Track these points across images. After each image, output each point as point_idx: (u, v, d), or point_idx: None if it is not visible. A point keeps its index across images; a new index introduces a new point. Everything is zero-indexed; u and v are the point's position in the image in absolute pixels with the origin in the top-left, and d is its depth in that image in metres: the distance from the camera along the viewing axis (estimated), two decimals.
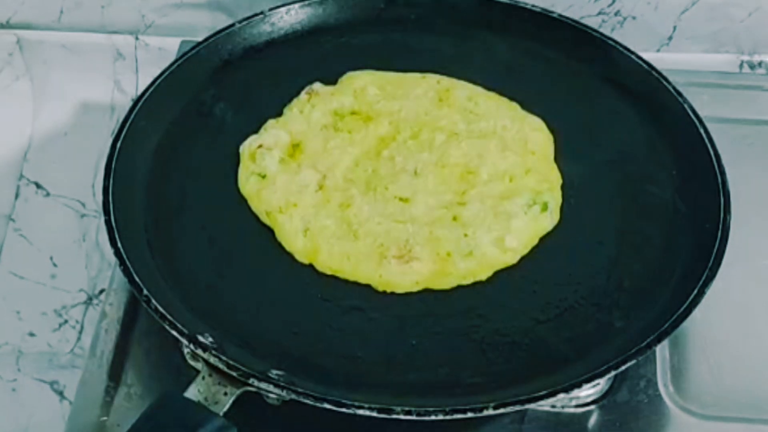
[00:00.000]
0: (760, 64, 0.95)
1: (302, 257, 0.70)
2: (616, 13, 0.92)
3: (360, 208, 0.72)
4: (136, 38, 0.96)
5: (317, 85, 0.80)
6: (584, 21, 0.86)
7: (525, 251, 0.70)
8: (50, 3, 0.93)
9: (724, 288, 0.67)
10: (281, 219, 0.72)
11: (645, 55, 0.81)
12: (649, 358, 0.69)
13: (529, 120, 0.78)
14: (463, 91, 0.80)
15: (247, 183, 0.74)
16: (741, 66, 0.95)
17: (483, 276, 0.69)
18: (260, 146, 0.75)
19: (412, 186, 0.73)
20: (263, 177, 0.74)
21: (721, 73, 0.92)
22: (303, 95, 0.80)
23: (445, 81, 0.81)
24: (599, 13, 0.92)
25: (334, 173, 0.74)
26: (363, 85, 0.80)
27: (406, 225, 0.71)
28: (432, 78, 0.81)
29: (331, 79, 0.81)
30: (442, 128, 0.77)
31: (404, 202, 0.72)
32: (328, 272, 0.69)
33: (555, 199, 0.73)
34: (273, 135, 0.76)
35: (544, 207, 0.72)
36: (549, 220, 0.72)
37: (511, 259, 0.70)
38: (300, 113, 0.78)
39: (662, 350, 0.70)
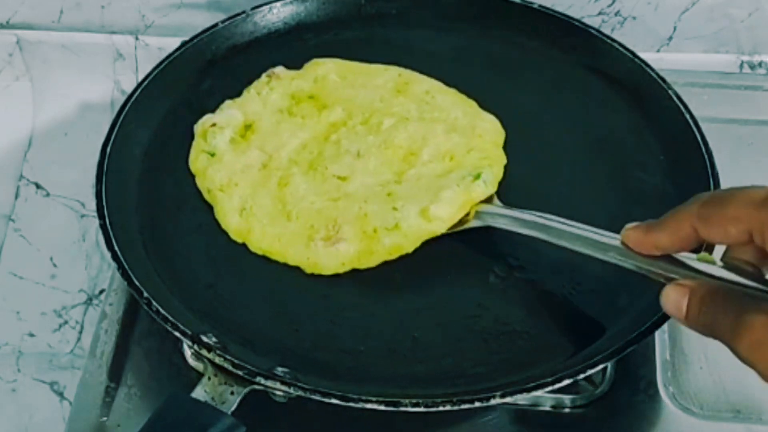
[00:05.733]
0: (760, 64, 0.95)
1: (236, 236, 0.70)
2: (616, 13, 0.92)
3: (297, 187, 0.71)
4: (136, 38, 0.96)
5: (279, 69, 0.80)
6: (584, 21, 0.86)
7: (454, 220, 0.69)
8: (50, 3, 0.93)
9: None
10: (220, 197, 0.71)
11: (645, 55, 0.81)
12: (649, 358, 0.69)
13: (482, 116, 0.77)
14: (422, 85, 0.79)
15: (197, 160, 0.74)
16: (741, 66, 0.95)
17: (409, 248, 0.68)
18: (213, 125, 0.75)
19: (352, 166, 0.73)
20: (212, 155, 0.74)
21: (721, 73, 0.92)
22: (263, 77, 0.80)
23: (406, 74, 0.80)
24: (599, 13, 0.92)
25: (279, 154, 0.74)
26: (325, 72, 0.80)
27: (338, 203, 0.70)
28: (394, 70, 0.81)
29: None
30: (393, 114, 0.76)
31: (341, 180, 0.72)
32: (260, 253, 0.69)
33: (494, 174, 0.72)
34: (227, 114, 0.76)
35: (477, 176, 0.70)
36: (482, 189, 0.70)
37: (439, 228, 0.69)
38: (257, 95, 0.78)
39: (662, 350, 0.70)
